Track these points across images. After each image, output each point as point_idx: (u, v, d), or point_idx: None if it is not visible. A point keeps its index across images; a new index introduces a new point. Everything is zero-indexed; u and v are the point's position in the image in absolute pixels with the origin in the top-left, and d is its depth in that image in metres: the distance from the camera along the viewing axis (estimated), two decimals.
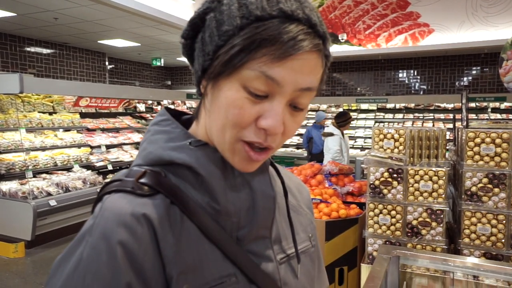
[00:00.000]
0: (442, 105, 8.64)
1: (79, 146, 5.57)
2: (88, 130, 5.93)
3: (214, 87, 0.51)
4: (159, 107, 7.76)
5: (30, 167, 4.80)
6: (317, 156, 5.91)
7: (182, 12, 6.25)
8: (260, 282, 0.54)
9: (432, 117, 8.67)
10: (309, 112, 8.76)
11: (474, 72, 9.13)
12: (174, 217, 0.50)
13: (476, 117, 8.19)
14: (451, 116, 8.12)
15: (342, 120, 5.28)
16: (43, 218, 4.39)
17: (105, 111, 6.54)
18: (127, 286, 0.45)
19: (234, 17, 0.48)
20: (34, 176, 4.86)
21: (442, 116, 8.58)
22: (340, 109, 9.68)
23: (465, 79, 9.24)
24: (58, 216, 4.59)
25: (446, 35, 7.68)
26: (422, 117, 8.78)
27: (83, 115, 6.03)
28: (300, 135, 8.09)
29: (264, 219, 0.57)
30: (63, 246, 4.43)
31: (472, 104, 8.07)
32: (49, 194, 4.59)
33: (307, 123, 8.45)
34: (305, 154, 6.84)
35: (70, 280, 0.45)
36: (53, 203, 4.47)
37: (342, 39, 7.95)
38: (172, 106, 8.11)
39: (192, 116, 0.63)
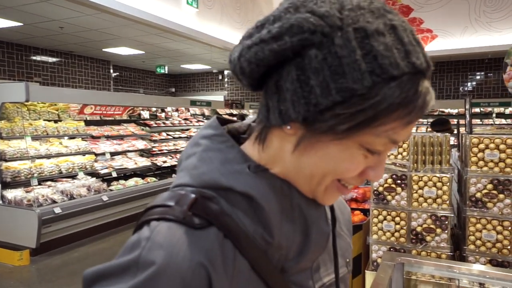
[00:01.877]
0: (446, 111, 8.61)
1: (83, 153, 5.61)
2: (93, 137, 5.97)
3: (320, 139, 0.46)
4: (163, 114, 7.80)
5: (35, 175, 4.83)
6: None
7: (186, 20, 6.31)
8: None
9: None
10: None
11: (478, 77, 9.11)
12: (227, 254, 0.46)
13: (481, 122, 8.15)
14: (455, 121, 8.09)
15: (442, 129, 4.22)
16: (48, 226, 4.40)
17: (110, 118, 6.58)
18: None
19: (361, 71, 0.40)
20: (39, 184, 4.89)
21: None
22: None
23: (469, 84, 9.21)
24: (63, 224, 4.61)
25: (449, 41, 7.68)
26: (426, 123, 8.75)
27: (88, 123, 6.08)
28: None
29: (314, 254, 0.55)
30: (67, 253, 4.45)
31: (477, 109, 8.04)
32: (54, 201, 4.61)
33: None
34: None
35: None
36: (58, 210, 4.48)
37: None
38: (175, 113, 8.15)
39: (239, 128, 0.59)
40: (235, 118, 0.62)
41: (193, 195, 0.48)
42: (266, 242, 0.49)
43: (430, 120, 8.75)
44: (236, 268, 0.47)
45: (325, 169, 0.47)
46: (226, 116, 0.60)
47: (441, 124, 4.43)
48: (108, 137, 6.21)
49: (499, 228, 2.02)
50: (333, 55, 0.41)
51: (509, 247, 2.00)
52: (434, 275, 1.84)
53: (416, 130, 8.53)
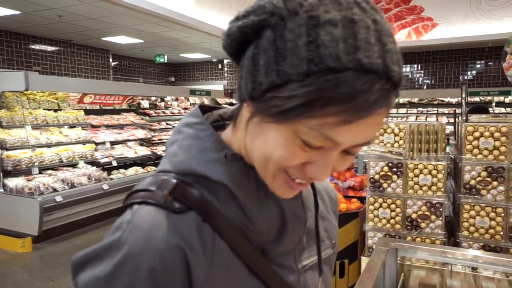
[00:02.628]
0: (446, 100, 8.61)
1: (83, 142, 5.63)
2: (93, 126, 5.99)
3: (262, 120, 0.45)
4: (162, 104, 7.80)
5: (36, 164, 4.87)
6: None
7: (184, 8, 6.27)
8: None
9: (436, 112, 8.65)
10: None
11: (478, 66, 9.07)
12: (206, 237, 0.48)
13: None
14: (457, 110, 8.10)
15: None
16: (49, 214, 4.46)
17: (109, 107, 6.59)
18: None
19: (300, 57, 0.39)
20: (40, 173, 4.93)
21: (446, 110, 8.56)
22: None
23: (469, 73, 9.18)
24: (64, 212, 4.66)
25: (450, 29, 7.63)
26: (426, 112, 8.76)
27: (88, 112, 6.09)
28: None
29: (292, 239, 0.57)
30: (69, 241, 4.51)
31: (476, 98, 8.03)
32: (55, 190, 4.66)
33: None
34: None
35: None
36: (59, 199, 4.53)
37: None
38: (175, 102, 8.16)
39: (223, 113, 0.60)
40: (226, 106, 0.64)
41: (174, 181, 0.50)
42: (245, 227, 0.51)
43: (431, 109, 8.75)
44: (215, 250, 0.48)
45: (265, 153, 0.46)
46: (210, 104, 0.62)
47: (479, 111, 4.30)
48: (108, 126, 6.23)
49: (492, 214, 2.05)
50: (282, 38, 0.41)
51: (501, 233, 2.04)
52: (428, 261, 1.88)
53: (416, 119, 8.54)
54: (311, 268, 0.61)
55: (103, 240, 0.48)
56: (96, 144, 5.83)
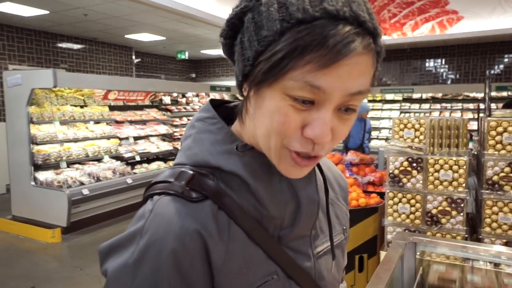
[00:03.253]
0: (472, 95, 8.37)
1: (108, 137, 5.81)
2: (117, 122, 6.17)
3: (256, 93, 0.49)
4: (183, 100, 7.93)
5: (64, 158, 5.06)
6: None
7: (206, 6, 6.34)
8: (298, 278, 0.56)
9: (461, 107, 8.43)
10: None
11: (506, 60, 8.76)
12: (222, 223, 0.51)
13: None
14: (481, 106, 7.86)
15: None
16: (77, 206, 4.64)
17: (133, 104, 6.76)
18: None
19: (273, 20, 0.45)
20: (67, 166, 5.13)
21: (471, 106, 8.33)
22: (365, 100, 9.56)
23: (496, 67, 8.88)
24: (90, 204, 4.84)
25: (476, 22, 7.40)
26: (450, 107, 8.55)
27: (112, 108, 6.27)
28: None
29: (307, 222, 0.58)
30: (95, 232, 4.69)
31: (504, 93, 7.77)
32: (81, 183, 4.84)
33: None
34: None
35: (119, 276, 0.48)
36: (85, 192, 4.71)
37: None
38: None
39: (234, 107, 0.63)
40: (237, 100, 0.66)
41: (190, 172, 0.53)
42: (259, 213, 0.54)
43: (455, 105, 8.53)
44: (231, 235, 0.51)
45: (265, 126, 0.49)
46: (221, 98, 0.66)
47: None
48: (131, 122, 6.40)
49: None
50: (259, 13, 0.47)
51: None
52: (449, 256, 1.87)
53: (440, 114, 8.34)
54: (325, 254, 0.63)
55: (127, 230, 0.51)
56: (120, 139, 6.00)
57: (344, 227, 0.71)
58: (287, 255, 0.56)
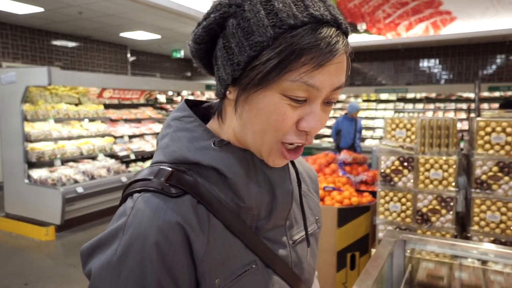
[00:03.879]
0: (465, 95, 8.46)
1: (103, 136, 5.81)
2: (112, 120, 6.16)
3: (250, 95, 0.51)
4: (179, 98, 7.94)
5: (58, 156, 5.06)
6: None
7: (200, 4, 6.35)
8: (275, 266, 0.60)
9: (454, 108, 8.51)
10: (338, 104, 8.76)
11: (498, 60, 8.86)
12: (202, 216, 0.53)
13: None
14: (473, 106, 7.95)
15: None
16: (71, 204, 4.64)
17: (128, 102, 6.76)
18: (157, 283, 0.49)
19: (264, 26, 0.48)
20: (62, 164, 5.12)
21: (464, 106, 8.41)
22: (359, 100, 9.62)
23: (489, 68, 8.98)
24: (84, 202, 4.84)
25: (469, 23, 7.48)
26: (443, 107, 8.63)
27: (107, 106, 6.26)
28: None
29: (282, 211, 0.62)
30: (90, 230, 4.69)
31: (496, 93, 7.87)
32: (76, 181, 4.84)
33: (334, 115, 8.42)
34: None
35: (105, 273, 0.49)
36: (80, 190, 4.71)
37: (362, 29, 7.88)
38: (191, 97, 8.28)
39: (208, 107, 0.66)
40: (211, 100, 0.70)
41: (169, 169, 0.55)
42: (237, 206, 0.56)
43: (449, 104, 8.61)
44: (211, 227, 0.53)
45: (261, 125, 0.52)
46: (195, 99, 0.69)
47: (511, 105, 4.34)
48: (126, 121, 6.40)
49: (503, 209, 2.07)
50: (244, 19, 0.49)
51: None
52: (438, 254, 1.90)
53: (433, 114, 8.42)
54: (300, 242, 0.67)
55: (107, 229, 0.52)
56: (115, 137, 5.99)
57: (317, 217, 0.75)
58: (264, 245, 0.59)
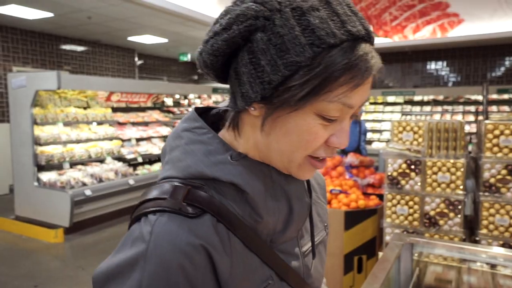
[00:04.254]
0: (473, 97, 8.38)
1: (111, 139, 5.86)
2: (119, 124, 6.22)
3: (282, 114, 0.49)
4: (186, 101, 7.98)
5: (67, 159, 5.11)
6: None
7: (208, 8, 6.40)
8: (289, 279, 0.58)
9: (462, 110, 8.44)
10: None
11: (507, 62, 8.78)
12: (223, 236, 0.51)
13: (510, 110, 7.90)
14: (482, 108, 7.87)
15: None
16: (80, 207, 4.69)
17: (135, 105, 6.81)
18: None
19: (302, 45, 0.45)
20: (70, 167, 5.18)
21: (472, 108, 8.34)
22: (366, 102, 9.56)
23: (497, 70, 8.90)
24: (92, 205, 4.89)
25: (477, 25, 7.43)
26: (451, 110, 8.56)
27: (115, 110, 6.32)
28: None
29: (298, 224, 0.60)
30: (98, 233, 4.73)
31: (505, 96, 7.79)
32: (84, 184, 4.89)
33: None
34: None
35: None
36: (88, 192, 4.75)
37: None
38: (198, 101, 8.31)
39: (217, 114, 0.63)
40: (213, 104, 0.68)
41: (185, 187, 0.51)
42: (255, 221, 0.54)
43: (457, 107, 8.53)
44: (232, 246, 0.51)
45: (290, 144, 0.50)
46: (205, 105, 0.67)
47: None
48: (133, 124, 6.45)
49: None
50: (276, 34, 0.46)
51: None
52: (446, 258, 1.89)
53: (441, 117, 8.36)
54: (310, 252, 0.66)
55: (119, 253, 0.49)
56: (123, 140, 6.04)
57: (326, 224, 0.74)
58: (279, 259, 0.58)
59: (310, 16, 0.46)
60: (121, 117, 6.29)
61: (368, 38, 0.48)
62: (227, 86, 0.55)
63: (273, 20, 0.46)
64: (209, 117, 0.62)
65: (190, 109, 0.62)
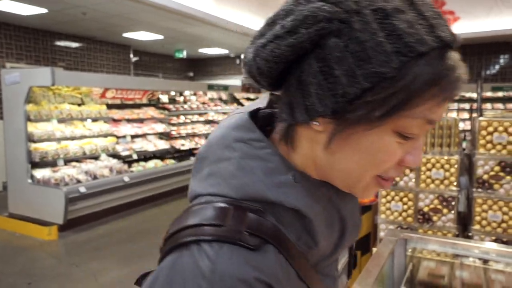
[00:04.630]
0: (467, 95, 8.43)
1: (105, 135, 5.83)
2: (114, 120, 6.18)
3: (356, 131, 0.43)
4: (181, 98, 7.95)
5: (61, 156, 5.08)
6: None
7: (204, 5, 6.37)
8: None
9: (457, 107, 8.49)
10: None
11: (502, 60, 8.83)
12: (285, 269, 0.45)
13: (504, 108, 7.96)
14: (476, 106, 7.92)
15: None
16: (74, 204, 4.66)
17: (130, 102, 6.78)
18: None
19: (387, 53, 0.38)
20: (65, 164, 5.14)
21: (467, 106, 8.39)
22: None
23: (492, 68, 8.95)
24: (87, 202, 4.86)
25: (473, 23, 7.46)
26: (446, 107, 8.60)
27: (110, 106, 6.28)
28: None
29: (346, 247, 0.56)
30: (92, 230, 4.71)
31: (500, 94, 7.83)
32: (78, 181, 4.86)
33: None
34: None
35: None
36: (82, 189, 4.73)
37: None
38: (193, 97, 8.28)
39: (269, 115, 0.54)
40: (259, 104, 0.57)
41: (243, 211, 0.45)
42: (308, 247, 0.49)
43: (451, 105, 8.58)
44: (290, 280, 0.46)
45: (361, 164, 0.45)
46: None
47: None
48: (128, 121, 6.42)
49: (505, 209, 2.06)
50: (354, 40, 0.39)
51: None
52: (439, 253, 1.90)
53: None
54: (344, 272, 0.62)
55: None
56: (118, 137, 6.02)
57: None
58: (322, 285, 0.53)
59: (395, 20, 0.39)
60: (116, 113, 6.26)
61: (452, 44, 0.41)
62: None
63: (350, 23, 0.39)
64: (259, 121, 0.53)
65: (237, 112, 0.54)
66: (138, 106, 6.94)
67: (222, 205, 0.45)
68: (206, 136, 7.82)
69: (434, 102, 0.40)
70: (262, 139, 0.49)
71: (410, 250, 1.82)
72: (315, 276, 0.51)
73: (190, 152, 7.18)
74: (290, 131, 0.49)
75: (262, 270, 0.42)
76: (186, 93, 8.09)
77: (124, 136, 6.13)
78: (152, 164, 6.13)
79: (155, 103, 7.37)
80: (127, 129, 6.25)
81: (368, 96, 0.40)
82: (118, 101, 6.54)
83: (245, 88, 9.35)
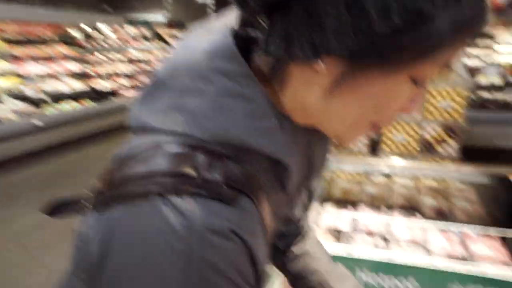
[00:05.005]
0: None
1: (7, 75, 5.15)
2: (16, 58, 5.45)
3: (369, 77, 0.37)
4: (98, 35, 7.20)
5: None
6: None
7: None
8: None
9: None
10: None
11: None
12: (261, 226, 0.41)
13: None
14: None
15: None
16: None
17: (35, 38, 5.98)
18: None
19: None
20: None
21: None
22: None
23: None
24: None
25: None
26: None
27: (9, 42, 5.49)
28: None
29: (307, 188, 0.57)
30: (3, 178, 4.29)
31: None
32: None
33: None
34: None
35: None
36: None
37: None
38: (114, 36, 7.55)
39: (249, 38, 0.45)
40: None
41: (219, 158, 0.38)
42: (276, 194, 0.46)
43: None
44: (263, 236, 0.43)
45: (363, 110, 0.40)
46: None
47: None
48: (35, 59, 5.70)
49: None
50: None
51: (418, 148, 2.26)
52: (351, 173, 2.04)
53: None
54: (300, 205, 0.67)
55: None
56: (23, 77, 5.35)
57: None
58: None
59: None
60: (18, 50, 5.50)
61: None
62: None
63: None
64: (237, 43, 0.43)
65: (206, 31, 0.44)
66: (45, 42, 6.15)
67: (190, 148, 0.37)
68: (129, 76, 7.30)
69: (460, 46, 0.36)
70: (249, 73, 0.40)
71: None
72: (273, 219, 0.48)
73: (111, 93, 6.69)
74: (280, 69, 0.41)
75: (241, 227, 0.36)
76: (104, 29, 7.33)
77: (31, 77, 5.46)
78: (67, 106, 5.62)
79: (67, 40, 6.59)
80: (34, 68, 5.56)
81: (398, 37, 0.33)
82: (20, 36, 5.71)
83: (172, 25, 8.75)
